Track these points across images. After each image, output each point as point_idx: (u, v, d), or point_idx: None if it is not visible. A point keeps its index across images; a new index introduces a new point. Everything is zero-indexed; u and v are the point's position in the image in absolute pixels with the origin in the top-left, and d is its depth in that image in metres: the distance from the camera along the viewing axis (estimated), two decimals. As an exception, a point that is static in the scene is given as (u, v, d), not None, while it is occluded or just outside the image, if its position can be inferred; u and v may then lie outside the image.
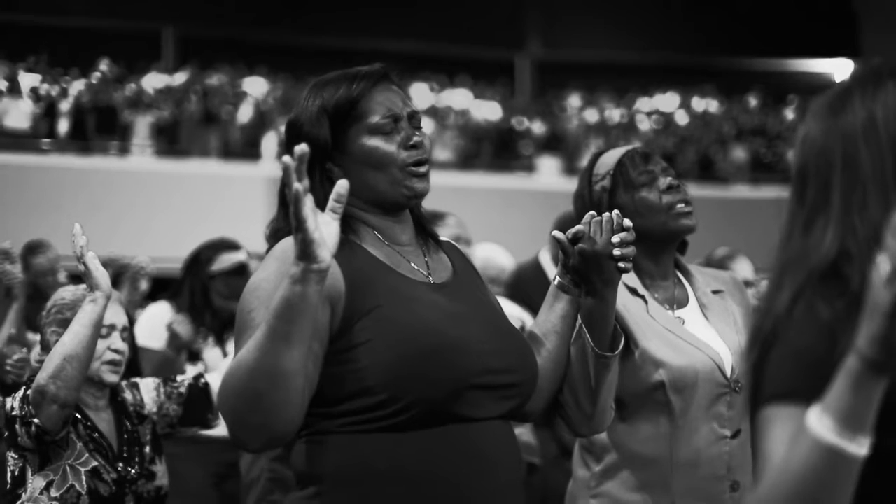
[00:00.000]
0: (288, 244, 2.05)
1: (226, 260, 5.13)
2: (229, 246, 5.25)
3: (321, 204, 1.89)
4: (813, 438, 1.32)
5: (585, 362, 2.33)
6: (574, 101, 22.11)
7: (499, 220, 16.01)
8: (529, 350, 2.28)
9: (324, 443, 2.09)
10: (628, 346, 2.71)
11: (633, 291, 2.83)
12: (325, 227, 1.85)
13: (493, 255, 6.10)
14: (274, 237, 2.20)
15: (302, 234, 1.81)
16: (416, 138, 2.24)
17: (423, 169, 2.24)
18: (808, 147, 1.59)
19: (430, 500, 2.05)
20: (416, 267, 2.25)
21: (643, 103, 22.44)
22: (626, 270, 2.32)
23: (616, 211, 2.34)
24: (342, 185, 1.88)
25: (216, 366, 4.79)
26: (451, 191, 16.19)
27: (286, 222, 2.15)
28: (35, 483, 3.23)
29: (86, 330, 3.14)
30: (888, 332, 1.26)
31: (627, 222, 2.32)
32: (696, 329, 2.83)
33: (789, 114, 22.41)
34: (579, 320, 2.36)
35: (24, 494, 3.24)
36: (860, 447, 1.31)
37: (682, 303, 2.90)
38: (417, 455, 2.05)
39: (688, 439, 2.73)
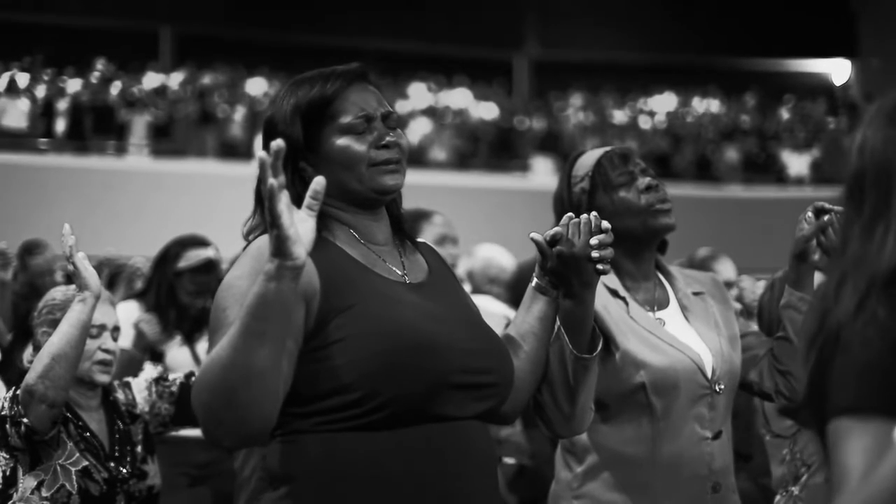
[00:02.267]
0: (263, 242, 2.04)
1: (193, 256, 5.08)
2: (198, 242, 5.19)
3: (295, 203, 1.88)
4: None
5: (564, 364, 2.33)
6: (571, 100, 22.14)
7: (495, 220, 16.02)
8: (505, 351, 2.26)
9: (297, 442, 2.07)
10: (608, 348, 2.71)
11: (614, 293, 2.83)
12: (300, 224, 1.84)
13: (494, 256, 6.12)
14: (250, 235, 2.20)
15: (277, 231, 1.80)
16: (388, 138, 2.23)
17: (392, 165, 2.23)
18: (868, 155, 1.60)
19: (404, 500, 2.04)
20: (391, 266, 2.24)
21: (641, 103, 22.47)
22: (604, 272, 2.30)
23: (594, 213, 2.32)
24: (319, 183, 1.86)
25: (181, 366, 4.75)
26: (447, 191, 16.20)
27: (262, 220, 2.15)
28: (26, 483, 3.23)
29: (74, 330, 3.14)
30: None
31: (606, 224, 2.30)
32: (677, 330, 2.83)
33: (785, 114, 22.42)
34: (557, 322, 2.35)
35: (15, 494, 3.24)
36: None
37: (663, 304, 2.90)
38: (391, 454, 2.04)
39: (669, 441, 2.73)
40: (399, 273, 2.24)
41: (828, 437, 1.48)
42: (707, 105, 22.68)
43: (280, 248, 1.81)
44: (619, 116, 21.63)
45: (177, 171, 16.88)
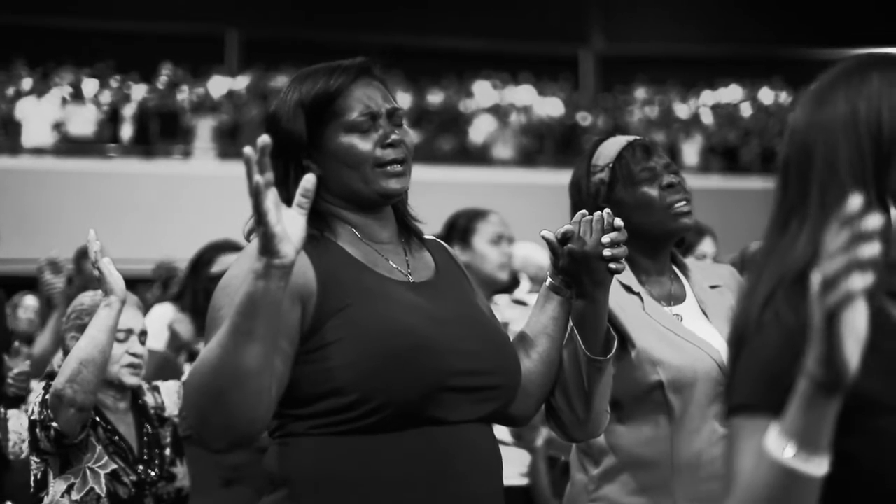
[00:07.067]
0: None
1: (225, 262, 5.03)
2: (231, 247, 5.18)
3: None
4: (771, 460, 1.30)
5: (578, 366, 2.27)
6: (637, 95, 21.96)
7: (563, 217, 15.92)
8: (512, 352, 2.21)
9: (294, 445, 2.05)
10: (624, 346, 2.62)
11: (629, 289, 2.72)
12: (290, 222, 1.79)
13: (531, 253, 5.99)
14: (251, 236, 2.14)
15: (263, 229, 1.75)
16: (393, 137, 2.17)
17: (398, 168, 2.17)
18: (793, 139, 1.53)
19: None
20: (394, 265, 2.18)
21: (707, 96, 22.23)
22: (616, 271, 2.24)
23: (607, 210, 2.26)
24: (309, 180, 1.81)
25: None
26: (513, 188, 16.16)
27: None
28: (56, 486, 3.28)
29: (101, 334, 3.18)
30: (829, 352, 1.23)
31: (619, 222, 2.24)
32: (695, 326, 2.74)
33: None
34: (571, 323, 2.30)
35: (46, 498, 3.29)
36: (818, 467, 1.29)
37: (679, 299, 2.80)
38: (388, 458, 2.00)
39: (688, 440, 2.64)
40: (402, 272, 2.18)
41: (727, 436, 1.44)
42: (774, 97, 22.39)
43: (267, 245, 1.77)
44: (685, 110, 21.42)
45: (243, 174, 16.95)
